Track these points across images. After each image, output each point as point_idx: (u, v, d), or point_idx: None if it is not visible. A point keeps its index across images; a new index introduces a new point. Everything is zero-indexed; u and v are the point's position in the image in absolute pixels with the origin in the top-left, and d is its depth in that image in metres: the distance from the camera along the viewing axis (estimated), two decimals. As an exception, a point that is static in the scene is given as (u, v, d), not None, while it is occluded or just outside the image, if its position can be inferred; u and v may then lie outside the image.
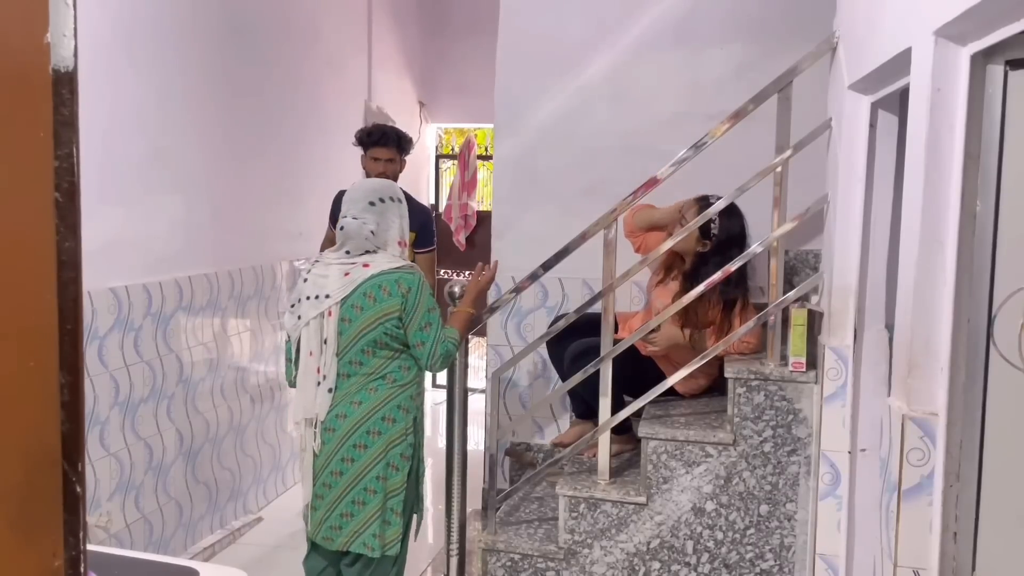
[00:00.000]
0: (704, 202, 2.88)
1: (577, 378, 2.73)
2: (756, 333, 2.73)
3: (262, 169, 3.92)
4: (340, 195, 3.38)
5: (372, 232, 2.37)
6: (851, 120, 2.35)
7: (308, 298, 2.39)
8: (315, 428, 2.40)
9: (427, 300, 2.36)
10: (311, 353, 2.38)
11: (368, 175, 3.40)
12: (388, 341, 2.34)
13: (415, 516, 2.52)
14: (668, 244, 2.72)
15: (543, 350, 3.30)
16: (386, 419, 2.35)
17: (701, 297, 2.72)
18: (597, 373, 2.68)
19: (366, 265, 2.35)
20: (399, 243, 2.44)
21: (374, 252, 2.39)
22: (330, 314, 2.35)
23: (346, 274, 2.35)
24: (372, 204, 2.40)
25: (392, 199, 2.45)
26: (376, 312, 2.32)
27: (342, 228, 2.39)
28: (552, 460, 2.87)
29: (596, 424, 2.72)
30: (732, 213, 2.83)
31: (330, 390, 2.37)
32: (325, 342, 2.36)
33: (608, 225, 2.67)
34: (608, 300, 2.67)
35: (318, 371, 2.38)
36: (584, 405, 3.09)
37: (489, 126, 5.99)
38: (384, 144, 3.42)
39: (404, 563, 2.50)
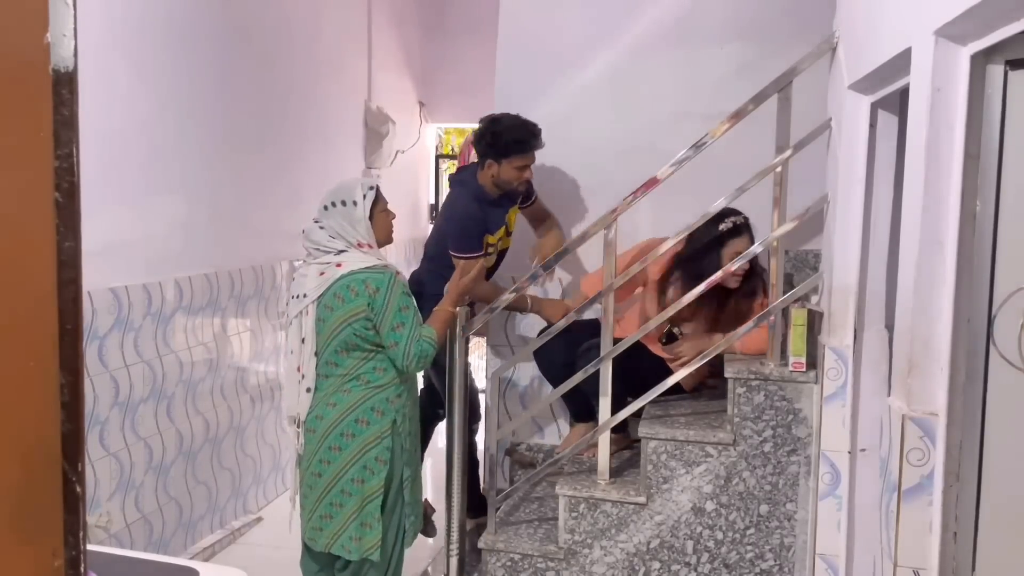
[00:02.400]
0: (732, 231, 2.82)
1: (578, 377, 2.73)
2: (766, 327, 2.70)
3: (262, 169, 3.92)
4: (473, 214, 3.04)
5: (330, 236, 2.39)
6: (851, 120, 2.35)
7: (294, 297, 2.41)
8: (298, 428, 2.40)
9: (398, 299, 2.33)
10: (291, 352, 2.39)
11: (510, 185, 3.05)
12: (359, 342, 2.33)
13: (407, 522, 2.47)
14: (670, 240, 2.72)
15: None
16: (359, 421, 2.34)
17: (728, 297, 2.72)
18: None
19: (339, 265, 2.35)
20: (359, 245, 2.40)
21: (344, 251, 2.38)
22: (307, 313, 2.35)
23: (321, 273, 2.36)
24: (325, 208, 2.42)
25: (344, 203, 2.40)
26: (344, 312, 2.32)
27: (303, 230, 2.43)
28: (552, 460, 2.87)
29: (596, 424, 2.72)
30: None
31: (309, 389, 2.37)
32: (303, 341, 2.36)
33: (608, 225, 2.67)
34: (608, 300, 2.67)
35: (298, 370, 2.38)
36: (585, 406, 3.08)
37: (489, 126, 6.00)
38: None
39: (400, 569, 2.48)
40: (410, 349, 2.33)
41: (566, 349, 3.00)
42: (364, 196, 2.41)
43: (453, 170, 6.31)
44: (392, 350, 2.35)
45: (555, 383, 2.99)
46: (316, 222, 2.42)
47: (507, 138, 3.00)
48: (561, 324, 2.80)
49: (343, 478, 2.34)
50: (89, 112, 1.45)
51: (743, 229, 2.83)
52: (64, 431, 0.57)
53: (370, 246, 2.41)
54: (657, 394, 2.67)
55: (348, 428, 2.34)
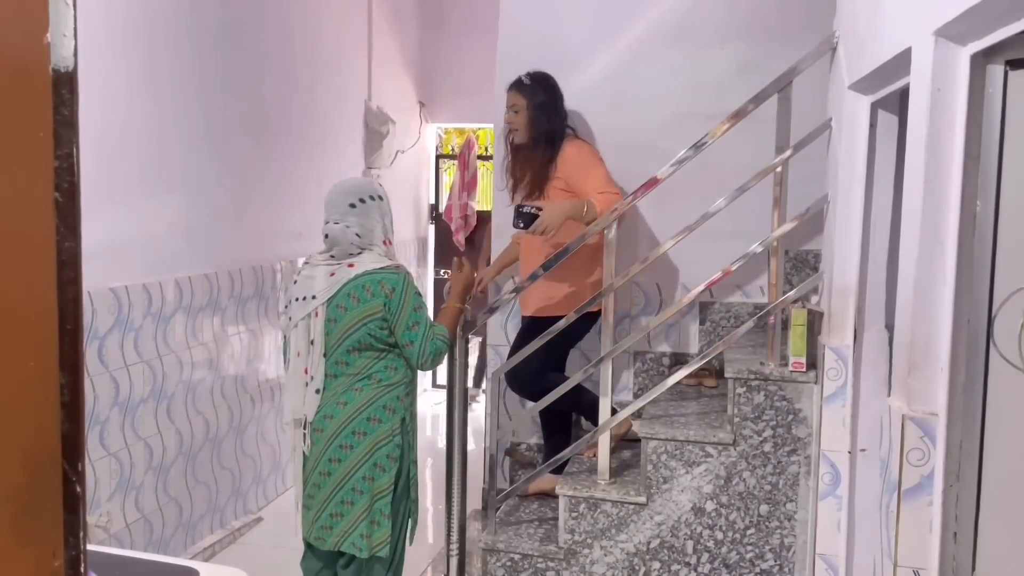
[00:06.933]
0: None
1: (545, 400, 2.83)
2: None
3: (262, 169, 3.92)
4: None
5: (357, 235, 2.36)
6: (851, 120, 2.35)
7: (297, 299, 2.40)
8: (304, 429, 2.40)
9: (413, 299, 2.35)
10: (298, 354, 2.39)
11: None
12: (372, 342, 2.34)
13: (410, 521, 2.49)
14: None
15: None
16: (371, 419, 2.35)
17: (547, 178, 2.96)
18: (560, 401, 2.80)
19: (351, 265, 2.35)
20: (384, 242, 2.42)
21: (359, 253, 2.38)
22: (316, 315, 2.35)
23: (332, 274, 2.35)
24: (352, 206, 2.38)
25: (372, 197, 2.40)
26: (359, 313, 2.32)
27: (326, 235, 2.37)
28: (552, 460, 2.87)
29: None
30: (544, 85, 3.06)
31: (317, 391, 2.37)
32: (312, 343, 2.36)
33: (608, 225, 2.67)
34: (608, 300, 2.67)
35: (306, 372, 2.38)
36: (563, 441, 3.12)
37: (489, 126, 5.99)
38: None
39: (402, 565, 2.49)
40: (425, 348, 2.36)
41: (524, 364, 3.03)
42: (383, 192, 2.46)
43: (454, 172, 6.30)
44: (407, 349, 2.36)
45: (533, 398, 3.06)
46: (336, 223, 2.36)
47: None
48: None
49: (354, 476, 2.34)
50: (89, 112, 1.45)
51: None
52: (64, 431, 0.57)
53: (388, 242, 2.43)
54: (655, 395, 2.67)
55: (360, 426, 2.34)
